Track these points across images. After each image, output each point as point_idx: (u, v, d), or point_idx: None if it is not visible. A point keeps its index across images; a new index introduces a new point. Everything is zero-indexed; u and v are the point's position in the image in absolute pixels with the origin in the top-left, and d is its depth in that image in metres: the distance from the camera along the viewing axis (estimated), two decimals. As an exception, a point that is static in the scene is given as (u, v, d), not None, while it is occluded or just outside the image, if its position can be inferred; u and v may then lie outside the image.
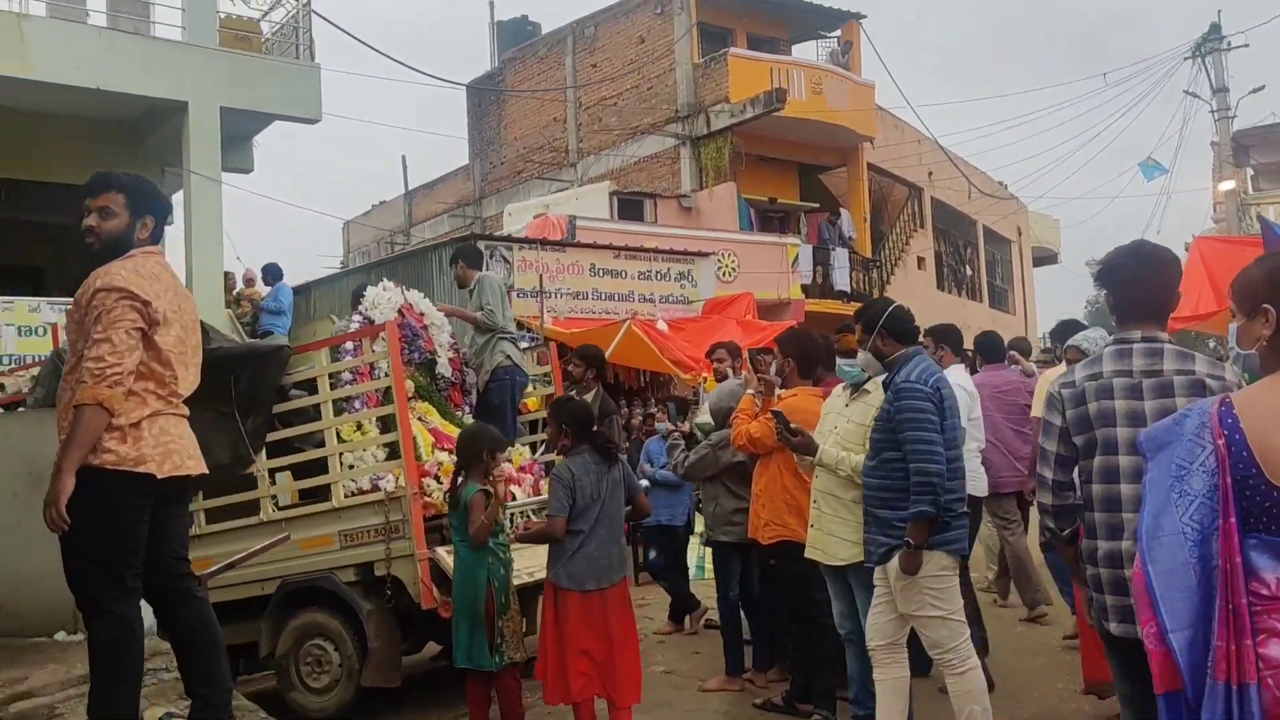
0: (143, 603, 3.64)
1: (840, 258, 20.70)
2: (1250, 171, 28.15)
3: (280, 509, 6.22)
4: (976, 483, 6.09)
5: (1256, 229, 15.61)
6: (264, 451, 6.19)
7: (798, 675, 5.58)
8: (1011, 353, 8.21)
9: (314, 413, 6.21)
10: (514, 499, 6.29)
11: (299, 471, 6.31)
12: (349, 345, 6.37)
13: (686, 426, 6.65)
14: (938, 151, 24.74)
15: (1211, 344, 14.91)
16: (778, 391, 5.53)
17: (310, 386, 6.25)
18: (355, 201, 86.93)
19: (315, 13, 14.14)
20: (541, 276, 13.35)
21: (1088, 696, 5.35)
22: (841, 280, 20.51)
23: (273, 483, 6.25)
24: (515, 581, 5.33)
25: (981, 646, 5.95)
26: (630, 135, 22.09)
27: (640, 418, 13.02)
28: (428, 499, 5.83)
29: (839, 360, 5.17)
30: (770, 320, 15.32)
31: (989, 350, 7.62)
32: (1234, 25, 40.13)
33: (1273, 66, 24.81)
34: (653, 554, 8.04)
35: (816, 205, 22.56)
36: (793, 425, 4.83)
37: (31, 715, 3.88)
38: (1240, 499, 2.22)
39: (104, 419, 3.34)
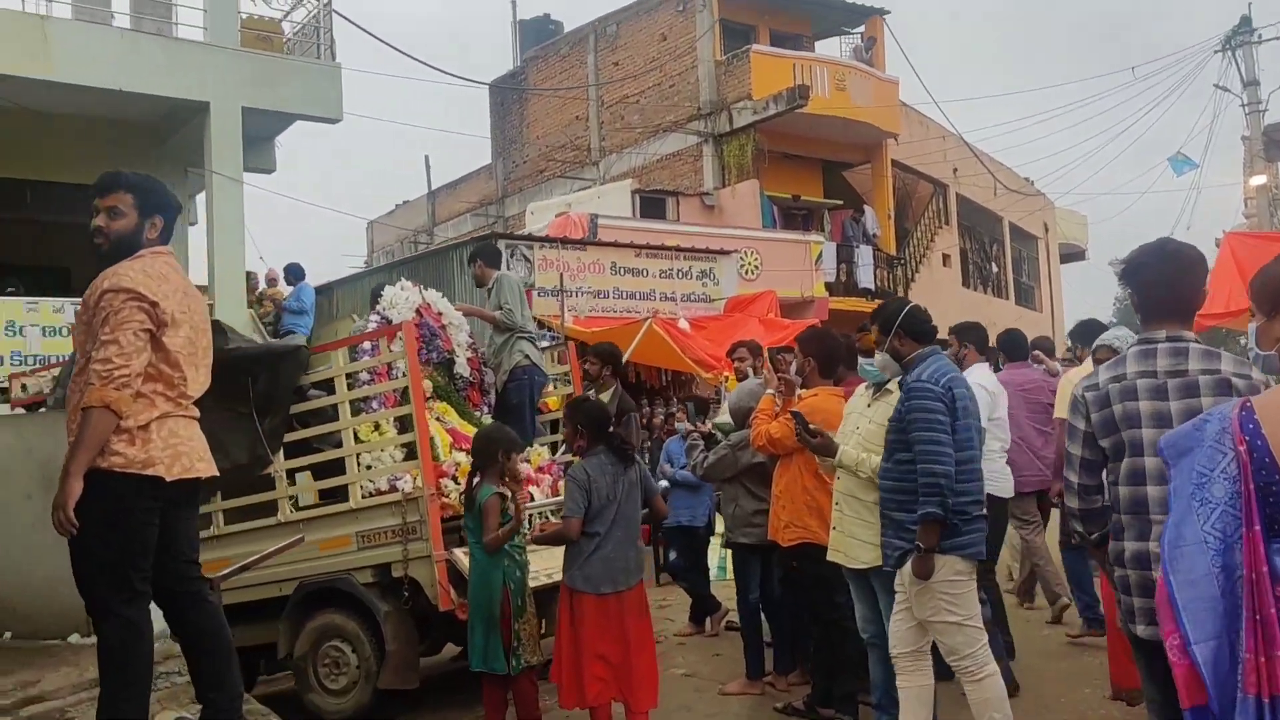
0: (154, 606, 3.61)
1: (864, 255, 20.58)
2: (1282, 166, 27.73)
3: (298, 509, 6.20)
4: (1002, 483, 5.98)
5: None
6: (282, 452, 6.17)
7: (819, 679, 5.51)
8: (1035, 352, 8.10)
9: (332, 413, 6.18)
10: (532, 499, 6.24)
11: (317, 472, 6.29)
12: (366, 345, 6.34)
13: (706, 426, 6.58)
14: (963, 147, 24.55)
15: (1243, 341, 14.68)
16: (798, 391, 5.45)
17: (328, 387, 6.23)
18: (379, 201, 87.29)
19: (336, 12, 14.16)
20: (562, 275, 13.33)
21: (1116, 703, 5.24)
22: (866, 278, 20.39)
23: (291, 483, 6.23)
24: (532, 583, 5.29)
25: (1007, 651, 5.87)
26: (652, 133, 22.04)
27: (662, 417, 12.97)
28: (445, 500, 5.79)
29: (860, 359, 5.09)
30: (793, 319, 15.23)
31: (1012, 348, 7.52)
32: (1264, 18, 39.61)
33: (1304, 59, 24.45)
34: (673, 555, 7.97)
35: (840, 202, 22.43)
36: (812, 426, 4.75)
37: (43, 719, 3.86)
38: (1264, 506, 2.16)
39: (111, 421, 3.31)
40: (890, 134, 22.31)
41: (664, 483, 8.19)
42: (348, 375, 6.15)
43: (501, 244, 13.30)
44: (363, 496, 5.93)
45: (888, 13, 23.01)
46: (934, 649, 4.40)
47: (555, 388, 7.85)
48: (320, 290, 15.40)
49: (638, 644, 4.77)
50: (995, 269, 28.87)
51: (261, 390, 6.10)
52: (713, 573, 8.23)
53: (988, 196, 26.98)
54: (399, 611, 5.81)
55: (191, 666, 3.70)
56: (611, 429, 5.08)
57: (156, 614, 3.63)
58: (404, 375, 6.00)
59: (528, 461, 6.51)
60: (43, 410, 6.64)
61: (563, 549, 4.91)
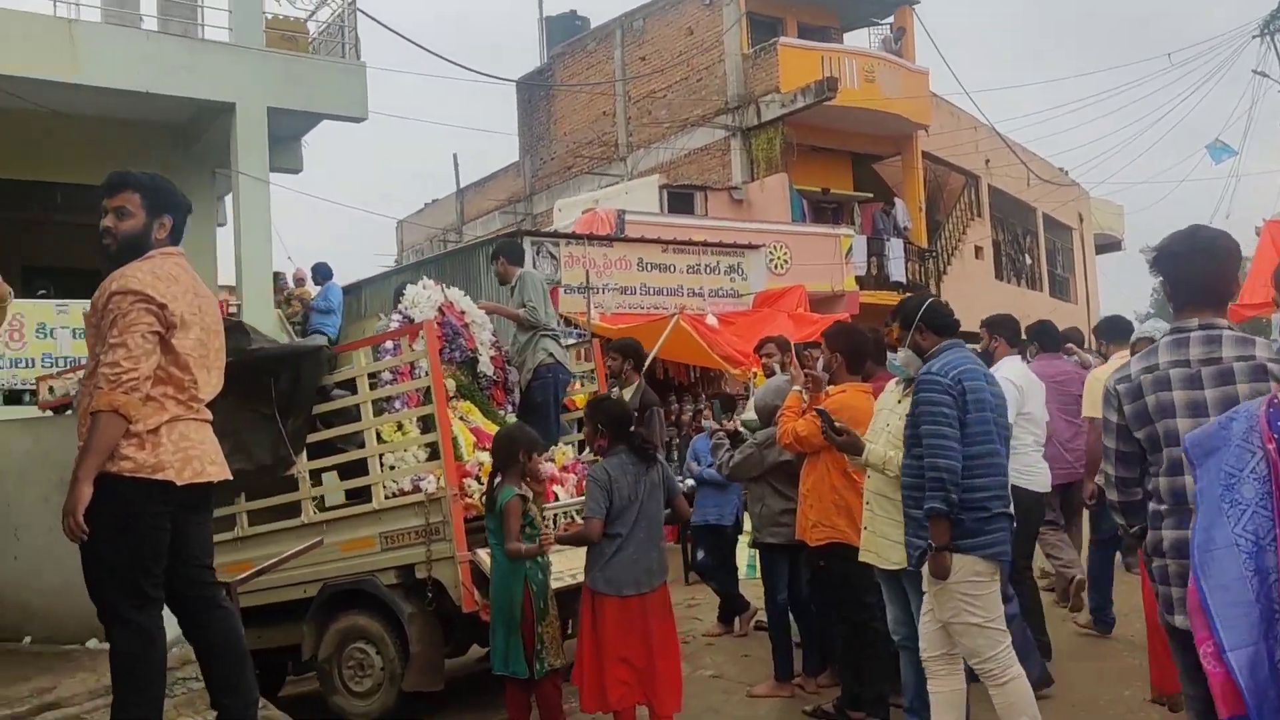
0: (167, 611, 3.56)
1: (895, 248, 20.38)
2: (1323, 152, 27.25)
3: (322, 510, 6.16)
4: (1035, 478, 5.86)
5: (1330, 211, 15.05)
6: (305, 453, 6.14)
7: (848, 681, 5.40)
8: (1068, 345, 7.99)
9: (355, 413, 6.14)
10: (556, 499, 6.17)
11: (340, 473, 6.25)
12: (388, 344, 6.30)
13: (732, 424, 6.48)
14: (995, 138, 24.28)
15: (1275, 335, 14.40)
16: (826, 388, 5.34)
17: (351, 386, 6.19)
18: (409, 200, 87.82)
19: (361, 11, 14.16)
20: (588, 272, 13.25)
21: (1157, 707, 5.09)
22: (897, 271, 20.20)
23: (315, 484, 6.19)
24: (556, 584, 5.22)
25: (1043, 651, 5.74)
26: (680, 128, 21.93)
27: (690, 414, 12.89)
28: (468, 500, 5.74)
29: (889, 355, 4.97)
30: (823, 313, 15.08)
31: (1045, 339, 7.41)
32: (1304, 2, 38.77)
33: (1345, 43, 23.92)
34: (701, 554, 7.88)
35: (870, 195, 22.23)
36: (838, 423, 4.64)
37: (58, 726, 3.83)
38: None
39: (120, 426, 3.26)
40: (920, 125, 22.09)
41: (691, 481, 8.12)
42: (370, 375, 6.11)
43: (527, 241, 13.28)
44: (386, 497, 5.89)
45: (917, 2, 22.81)
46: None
47: (581, 385, 7.79)
48: (348, 290, 15.43)
49: (661, 647, 4.69)
50: (1029, 261, 28.58)
51: (284, 390, 6.07)
52: (742, 571, 8.14)
53: (1021, 187, 26.68)
54: (423, 613, 5.76)
55: (205, 672, 3.65)
56: (633, 427, 4.99)
57: (171, 619, 3.58)
58: (426, 374, 5.95)
59: (552, 460, 6.44)
60: (69, 413, 6.64)
61: (585, 549, 4.83)
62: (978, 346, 5.96)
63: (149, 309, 3.34)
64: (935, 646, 4.24)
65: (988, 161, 25.00)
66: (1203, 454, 2.30)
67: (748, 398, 9.21)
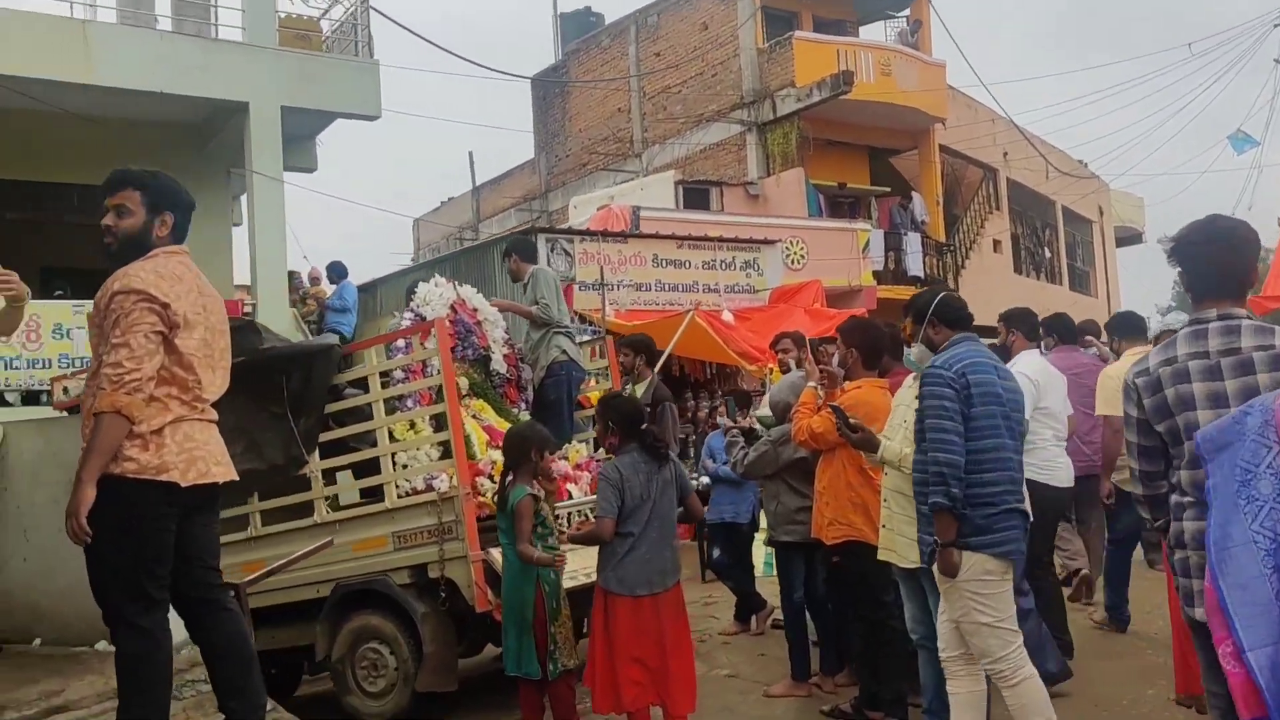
0: (174, 613, 3.53)
1: (913, 242, 20.25)
2: (1346, 142, 26.96)
3: (335, 509, 6.13)
4: (1054, 472, 5.77)
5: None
6: (317, 452, 6.10)
7: (865, 680, 5.33)
8: (1086, 337, 7.89)
9: (367, 412, 6.11)
10: (570, 497, 6.12)
11: (353, 472, 6.21)
12: (400, 343, 6.26)
13: (747, 421, 6.41)
14: (1013, 131, 24.07)
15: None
16: (841, 383, 5.26)
17: (364, 385, 6.16)
18: (425, 199, 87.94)
19: (374, 9, 14.14)
20: (603, 269, 13.19)
21: (1181, 708, 5.00)
22: (914, 266, 20.06)
23: (328, 483, 6.16)
24: (570, 583, 5.16)
25: (1065, 650, 5.66)
26: (695, 123, 21.85)
27: (706, 410, 12.82)
28: (481, 498, 5.69)
29: (906, 350, 4.90)
30: (840, 308, 14.99)
31: (1062, 331, 7.31)
32: (1327, -10, 38.38)
33: (1369, 31, 23.64)
34: (716, 552, 7.82)
35: (888, 189, 22.10)
36: (852, 420, 4.56)
37: (67, 729, 3.81)
38: None
39: (123, 427, 3.23)
40: (937, 118, 21.93)
41: (705, 479, 8.05)
42: (382, 373, 6.08)
43: (542, 238, 13.23)
44: (398, 496, 5.85)
45: (934, -6, 22.63)
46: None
47: (596, 382, 7.74)
48: (363, 288, 15.44)
49: (675, 647, 4.62)
50: (1048, 254, 28.35)
51: (295, 390, 6.04)
52: (760, 569, 8.06)
53: (1039, 180, 26.46)
54: (436, 613, 5.72)
55: (211, 674, 3.62)
56: (646, 424, 4.92)
57: (178, 621, 3.55)
58: (438, 372, 5.91)
59: (565, 458, 6.39)
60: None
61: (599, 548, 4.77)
62: (994, 341, 5.88)
63: (152, 308, 3.31)
64: (954, 646, 4.16)
65: (1006, 154, 24.79)
66: (1215, 449, 2.24)
67: (763, 394, 9.14)
